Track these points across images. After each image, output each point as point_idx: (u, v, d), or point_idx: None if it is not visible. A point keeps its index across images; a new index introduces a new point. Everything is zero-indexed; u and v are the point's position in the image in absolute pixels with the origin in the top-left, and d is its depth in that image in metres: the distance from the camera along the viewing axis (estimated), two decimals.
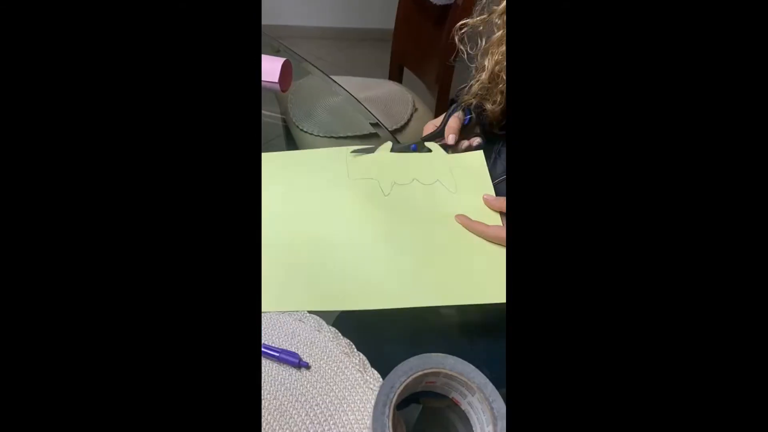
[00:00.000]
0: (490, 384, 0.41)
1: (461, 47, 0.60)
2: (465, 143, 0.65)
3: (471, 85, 0.63)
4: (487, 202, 0.57)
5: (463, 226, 0.55)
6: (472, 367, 0.42)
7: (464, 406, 0.43)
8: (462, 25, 0.59)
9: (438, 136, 0.65)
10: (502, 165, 0.66)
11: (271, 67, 0.72)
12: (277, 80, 0.73)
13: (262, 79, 0.72)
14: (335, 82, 1.01)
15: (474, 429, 0.42)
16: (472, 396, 0.41)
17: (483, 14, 0.57)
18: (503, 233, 0.52)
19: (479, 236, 0.54)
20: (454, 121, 0.64)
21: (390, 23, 1.39)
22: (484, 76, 0.59)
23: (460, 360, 0.42)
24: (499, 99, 0.61)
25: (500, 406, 0.39)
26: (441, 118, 0.69)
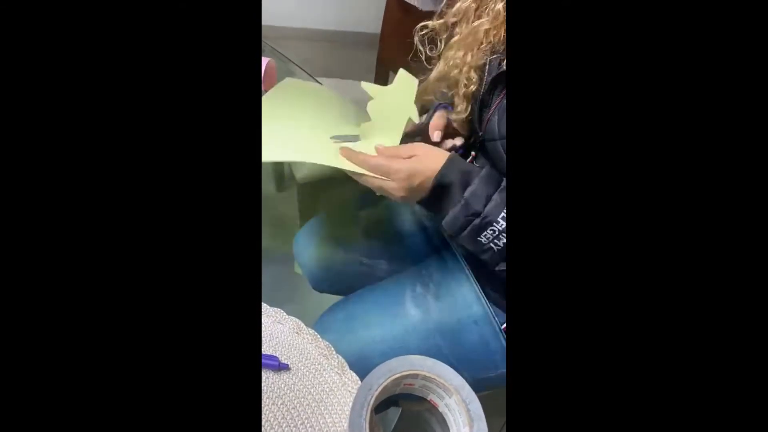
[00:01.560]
0: (467, 386, 0.41)
1: (420, 48, 0.60)
2: (449, 143, 0.65)
3: (421, 81, 0.63)
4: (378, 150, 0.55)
5: (347, 158, 0.53)
6: (449, 369, 0.42)
7: (442, 408, 0.43)
8: (422, 26, 0.59)
9: (421, 133, 0.64)
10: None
11: None
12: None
13: None
14: (321, 84, 1.01)
15: (451, 431, 0.42)
16: (450, 398, 0.41)
17: (441, 18, 0.58)
18: (383, 162, 0.51)
19: (362, 167, 0.52)
20: (439, 118, 0.64)
21: (377, 27, 1.39)
22: (434, 74, 0.59)
23: (438, 362, 0.42)
24: (462, 107, 0.60)
25: (477, 408, 0.40)
26: (421, 118, 0.68)
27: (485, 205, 0.48)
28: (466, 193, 0.49)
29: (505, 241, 0.48)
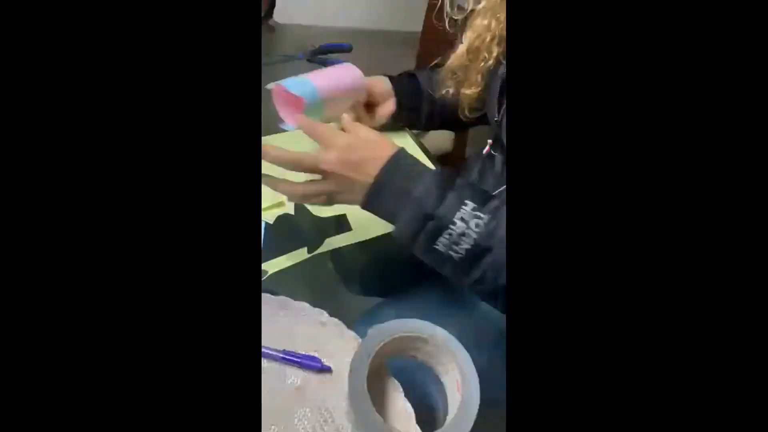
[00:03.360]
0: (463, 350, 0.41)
1: (448, 8, 0.55)
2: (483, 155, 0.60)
3: (448, 59, 0.57)
4: None
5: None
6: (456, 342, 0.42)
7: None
8: None
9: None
10: (494, 177, 0.59)
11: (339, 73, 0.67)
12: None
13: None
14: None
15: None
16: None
17: None
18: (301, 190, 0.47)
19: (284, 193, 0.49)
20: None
21: (418, 26, 1.39)
22: (462, 48, 0.53)
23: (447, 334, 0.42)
24: (477, 81, 0.55)
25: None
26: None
27: (438, 206, 0.41)
28: (417, 192, 0.41)
29: (467, 247, 0.40)
